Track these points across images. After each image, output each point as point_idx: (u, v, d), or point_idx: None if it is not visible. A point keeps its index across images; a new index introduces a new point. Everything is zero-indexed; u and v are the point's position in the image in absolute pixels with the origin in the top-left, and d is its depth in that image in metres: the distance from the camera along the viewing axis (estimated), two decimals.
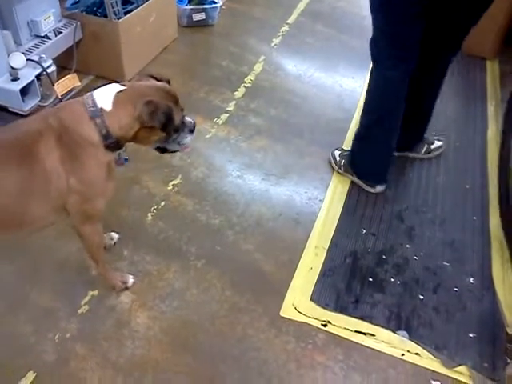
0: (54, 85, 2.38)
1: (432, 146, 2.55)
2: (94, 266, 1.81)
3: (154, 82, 1.53)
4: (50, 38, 2.59)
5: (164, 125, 1.44)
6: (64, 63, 2.72)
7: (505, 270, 2.04)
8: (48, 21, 2.58)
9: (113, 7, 2.70)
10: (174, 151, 1.66)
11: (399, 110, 2.14)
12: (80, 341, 1.72)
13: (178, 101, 1.52)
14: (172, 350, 1.73)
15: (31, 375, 1.63)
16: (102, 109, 1.41)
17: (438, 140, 2.58)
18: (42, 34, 2.56)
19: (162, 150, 1.64)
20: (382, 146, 2.25)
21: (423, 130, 2.49)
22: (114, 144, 1.45)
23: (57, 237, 2.02)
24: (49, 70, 2.36)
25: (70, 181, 1.43)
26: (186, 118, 1.59)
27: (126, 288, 1.87)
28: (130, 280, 1.88)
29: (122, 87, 1.46)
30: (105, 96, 1.43)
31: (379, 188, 2.34)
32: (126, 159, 1.64)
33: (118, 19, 2.73)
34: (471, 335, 1.81)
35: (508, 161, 2.36)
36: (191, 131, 1.61)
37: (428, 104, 2.37)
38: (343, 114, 2.83)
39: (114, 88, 1.45)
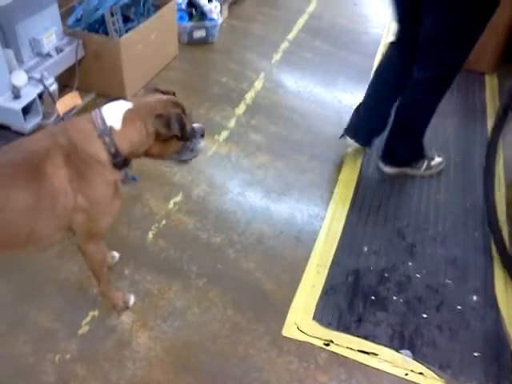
0: (55, 103, 2.39)
1: (432, 163, 2.55)
2: (95, 285, 1.80)
3: (160, 95, 1.54)
4: (51, 56, 2.60)
5: (180, 132, 1.45)
6: (66, 81, 2.73)
7: (508, 288, 2.03)
8: (50, 39, 2.59)
9: (114, 25, 2.73)
10: (190, 159, 1.65)
11: (383, 74, 2.45)
12: (80, 362, 1.70)
13: (184, 110, 1.53)
14: (173, 371, 1.71)
15: None
16: (111, 127, 1.41)
17: (439, 156, 2.58)
18: (44, 52, 2.57)
19: (180, 161, 1.64)
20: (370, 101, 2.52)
21: (417, 143, 2.50)
22: (121, 162, 1.46)
23: (57, 256, 2.01)
24: (51, 89, 2.37)
25: (78, 199, 1.43)
26: (194, 124, 1.60)
27: (127, 308, 1.86)
28: (131, 300, 1.87)
29: (130, 104, 1.46)
30: (114, 114, 1.43)
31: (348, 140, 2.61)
32: (133, 178, 1.63)
33: (120, 37, 2.76)
34: (475, 354, 1.80)
35: (493, 176, 2.36)
36: (202, 135, 1.62)
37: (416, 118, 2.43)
38: (342, 130, 2.83)
39: (122, 106, 1.45)
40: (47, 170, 1.37)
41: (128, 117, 1.43)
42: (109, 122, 1.42)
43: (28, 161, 1.38)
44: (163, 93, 1.57)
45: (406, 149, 2.50)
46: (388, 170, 2.55)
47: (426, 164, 2.54)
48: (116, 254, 2.00)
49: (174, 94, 1.59)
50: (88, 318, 1.83)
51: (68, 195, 1.41)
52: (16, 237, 1.45)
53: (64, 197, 1.41)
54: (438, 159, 2.58)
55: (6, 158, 1.41)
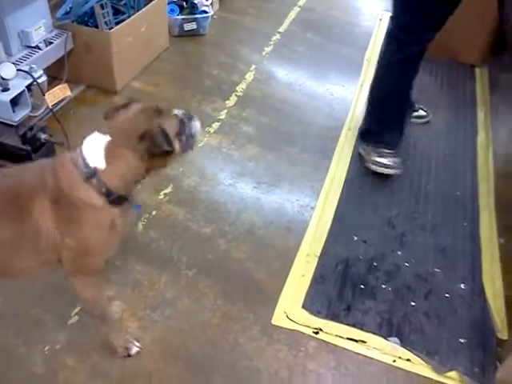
0: (44, 95, 2.38)
1: (380, 160, 2.44)
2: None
3: (127, 110, 1.38)
4: (40, 49, 2.59)
5: (169, 144, 1.32)
6: (55, 73, 2.72)
7: (495, 276, 2.05)
8: (39, 31, 2.58)
9: (104, 17, 2.72)
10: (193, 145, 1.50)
11: None
12: (70, 352, 1.71)
13: (160, 110, 1.38)
14: (163, 360, 1.72)
15: None
16: (95, 168, 1.30)
17: (397, 162, 2.44)
18: (33, 45, 2.56)
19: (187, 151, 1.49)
20: None
21: (376, 116, 2.52)
22: (117, 198, 1.35)
23: None
24: (39, 81, 2.35)
25: (66, 240, 1.34)
26: (176, 112, 1.43)
27: (129, 355, 1.71)
28: (135, 349, 1.71)
29: (107, 136, 1.32)
30: (95, 152, 1.31)
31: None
32: (137, 207, 1.51)
33: (110, 29, 2.75)
34: (462, 340, 1.81)
35: None
36: (190, 119, 1.46)
37: None
38: (334, 122, 2.84)
39: (100, 140, 1.32)
40: (34, 212, 1.30)
41: (110, 151, 1.31)
42: (92, 163, 1.30)
43: (15, 199, 1.32)
44: (124, 106, 1.39)
45: (367, 117, 2.54)
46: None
47: (374, 157, 2.46)
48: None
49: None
50: (77, 309, 1.82)
51: (55, 238, 1.33)
52: None
53: (49, 239, 1.33)
54: (390, 161, 2.42)
55: None
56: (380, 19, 3.87)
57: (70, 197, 1.31)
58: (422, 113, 2.82)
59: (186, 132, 1.43)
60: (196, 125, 1.48)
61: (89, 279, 1.50)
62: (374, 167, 2.46)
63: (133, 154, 1.31)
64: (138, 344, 1.72)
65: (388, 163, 2.43)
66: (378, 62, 2.41)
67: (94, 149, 1.32)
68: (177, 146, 1.38)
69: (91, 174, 1.30)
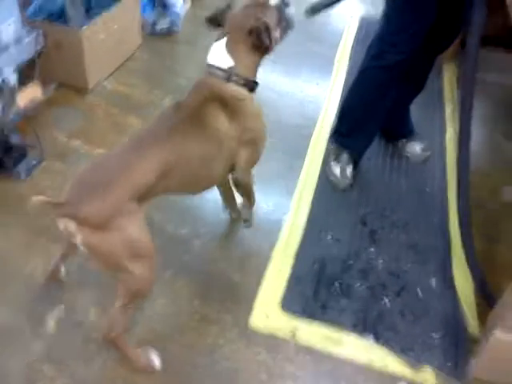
0: (15, 95, 2.33)
1: (337, 170, 2.47)
2: None
3: (233, 13, 1.73)
4: (10, 47, 2.53)
5: (269, 39, 1.63)
6: (26, 72, 2.64)
7: (465, 271, 2.09)
8: (8, 29, 2.52)
9: (75, 15, 2.67)
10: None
11: None
12: (47, 361, 1.69)
13: (261, 4, 1.69)
14: None
15: None
16: (229, 68, 1.64)
17: (348, 173, 2.46)
18: (2, 44, 2.50)
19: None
20: None
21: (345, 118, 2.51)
22: (253, 84, 1.71)
23: (21, 252, 1.98)
24: (10, 80, 2.31)
25: (242, 135, 1.69)
26: (273, 2, 1.72)
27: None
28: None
29: (224, 38, 1.65)
30: (222, 57, 1.65)
31: None
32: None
33: (81, 27, 2.70)
34: (435, 336, 1.86)
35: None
36: (285, 5, 1.75)
37: None
38: (306, 121, 2.85)
39: (220, 45, 1.66)
40: (213, 123, 1.63)
41: (231, 49, 1.64)
42: (224, 65, 1.64)
43: (193, 117, 1.62)
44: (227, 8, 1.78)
45: (337, 118, 2.55)
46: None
47: (331, 161, 2.50)
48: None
49: None
50: (54, 315, 1.81)
51: (233, 134, 1.66)
52: (200, 181, 1.74)
53: (230, 138, 1.66)
54: (340, 171, 2.44)
55: (175, 119, 1.62)
56: (351, 16, 3.90)
57: (227, 99, 1.64)
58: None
59: (284, 17, 1.73)
60: (291, 9, 1.77)
61: (251, 170, 1.91)
62: (326, 169, 2.51)
63: (247, 47, 1.64)
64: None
65: (337, 174, 2.46)
66: (359, 67, 2.39)
67: (219, 53, 1.66)
68: (277, 34, 1.70)
69: (229, 75, 1.64)
